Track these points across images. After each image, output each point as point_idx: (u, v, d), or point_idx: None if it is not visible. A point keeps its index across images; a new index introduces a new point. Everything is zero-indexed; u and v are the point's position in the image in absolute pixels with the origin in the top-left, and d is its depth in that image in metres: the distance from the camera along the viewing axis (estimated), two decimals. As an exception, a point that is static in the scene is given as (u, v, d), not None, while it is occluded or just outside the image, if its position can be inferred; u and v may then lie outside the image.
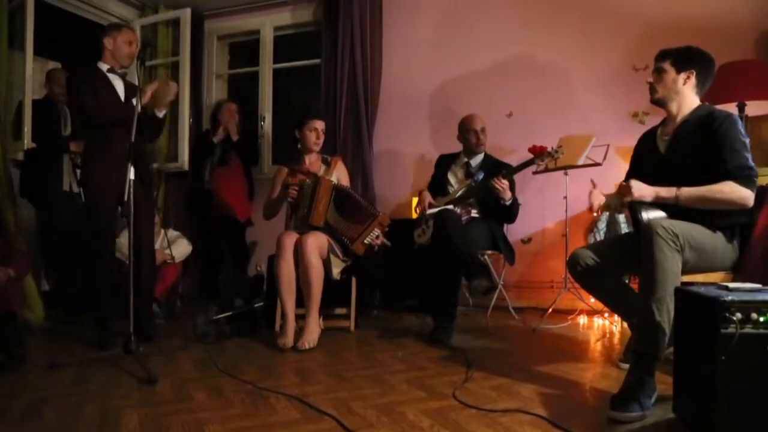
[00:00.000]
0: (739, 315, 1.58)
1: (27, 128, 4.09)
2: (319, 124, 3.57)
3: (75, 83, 3.16)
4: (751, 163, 2.23)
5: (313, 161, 3.61)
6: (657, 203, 2.29)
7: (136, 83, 3.07)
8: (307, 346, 2.99)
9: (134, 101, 3.02)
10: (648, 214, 2.25)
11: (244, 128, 4.94)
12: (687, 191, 2.22)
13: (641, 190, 2.28)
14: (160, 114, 3.30)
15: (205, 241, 4.80)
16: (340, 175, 3.59)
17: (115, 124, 3.01)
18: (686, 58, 2.40)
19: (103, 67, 3.23)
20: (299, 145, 3.60)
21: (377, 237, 3.37)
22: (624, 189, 2.31)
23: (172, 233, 4.17)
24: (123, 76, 3.29)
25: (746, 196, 2.18)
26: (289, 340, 3.06)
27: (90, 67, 3.24)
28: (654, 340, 2.00)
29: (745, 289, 1.71)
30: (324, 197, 3.33)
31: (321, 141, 3.59)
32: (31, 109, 4.11)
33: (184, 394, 2.20)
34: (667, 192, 2.25)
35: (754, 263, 2.35)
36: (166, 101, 3.26)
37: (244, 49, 5.92)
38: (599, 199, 2.57)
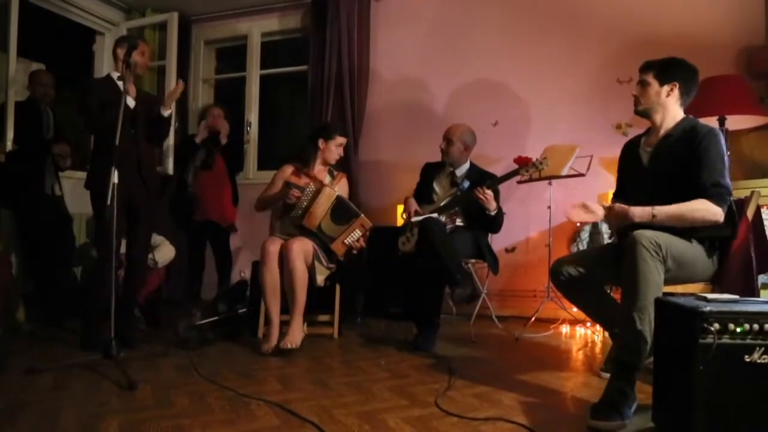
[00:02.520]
0: (717, 325, 1.61)
1: (9, 130, 4.04)
2: (343, 141, 3.65)
3: (85, 92, 3.25)
4: (725, 180, 2.27)
5: (319, 170, 3.63)
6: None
7: (122, 87, 3.10)
8: (289, 346, 2.99)
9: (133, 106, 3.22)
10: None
11: (230, 133, 4.92)
12: (662, 212, 2.25)
13: (623, 213, 2.30)
14: (166, 113, 3.36)
15: (188, 246, 4.76)
16: (341, 190, 3.60)
17: (115, 128, 3.02)
18: (669, 70, 2.43)
19: (114, 75, 3.33)
20: (317, 152, 3.60)
21: (358, 239, 3.38)
22: (616, 214, 2.34)
23: (156, 238, 4.13)
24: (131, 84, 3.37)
25: (716, 212, 2.22)
26: (272, 344, 3.06)
27: (104, 77, 3.41)
28: (635, 348, 2.02)
29: (723, 300, 1.74)
30: (323, 204, 3.34)
31: (340, 158, 3.67)
32: (13, 111, 4.07)
33: (164, 401, 2.18)
34: (643, 212, 2.27)
35: (733, 275, 2.38)
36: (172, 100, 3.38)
37: (232, 54, 5.91)
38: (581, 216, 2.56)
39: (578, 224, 4.15)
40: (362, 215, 3.40)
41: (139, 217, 3.33)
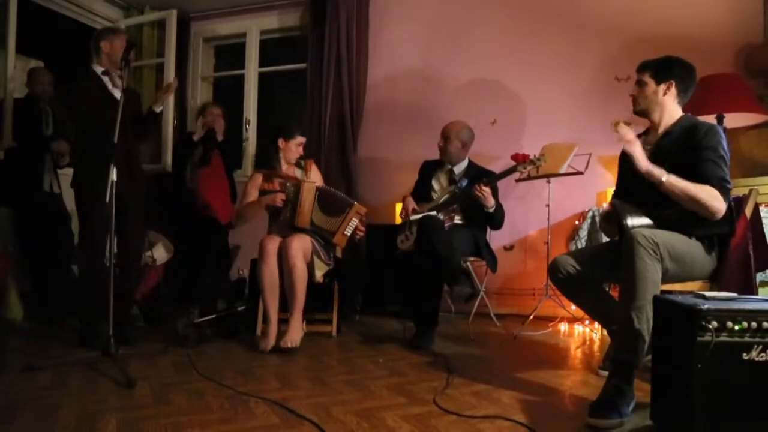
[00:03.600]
0: (715, 323, 1.61)
1: (8, 127, 4.03)
2: (303, 140, 3.61)
3: (72, 89, 3.18)
4: (728, 177, 2.27)
5: (287, 168, 3.61)
6: (641, 212, 2.31)
7: (118, 84, 3.08)
8: (289, 345, 2.98)
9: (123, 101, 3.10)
10: (632, 221, 2.28)
11: (228, 130, 4.91)
12: (674, 179, 2.23)
13: (639, 156, 2.28)
14: (157, 109, 3.35)
15: (186, 244, 4.75)
16: (315, 177, 3.60)
17: (108, 127, 2.99)
18: (665, 69, 2.44)
19: (98, 69, 3.25)
20: (279, 153, 3.56)
21: (356, 227, 3.38)
22: (628, 137, 2.30)
23: (154, 236, 4.13)
24: (117, 78, 3.28)
25: (720, 207, 2.22)
26: (271, 342, 3.06)
27: (86, 71, 3.26)
28: (633, 348, 2.02)
29: (721, 298, 1.74)
30: (308, 200, 3.34)
31: (300, 156, 3.63)
32: (12, 108, 4.06)
33: (163, 398, 2.18)
34: (657, 171, 2.25)
35: (731, 273, 2.39)
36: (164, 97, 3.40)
37: (230, 52, 5.90)
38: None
39: (576, 222, 4.16)
40: (355, 203, 3.40)
41: (129, 215, 3.28)
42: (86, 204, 3.16)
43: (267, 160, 3.62)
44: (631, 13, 4.28)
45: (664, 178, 2.24)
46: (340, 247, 3.41)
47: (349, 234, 3.38)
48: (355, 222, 3.38)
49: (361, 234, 3.44)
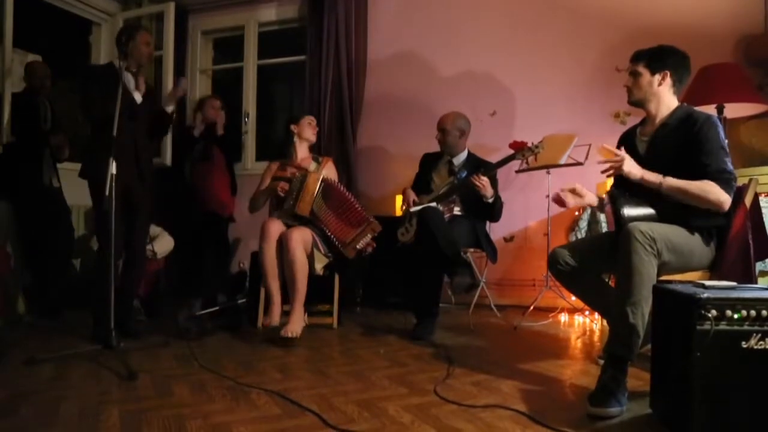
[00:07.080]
0: (714, 312, 1.61)
1: (6, 122, 4.03)
2: (312, 118, 3.80)
3: (85, 79, 3.24)
4: (730, 167, 2.26)
5: (304, 158, 3.69)
6: (638, 202, 2.31)
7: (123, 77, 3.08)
8: (290, 334, 3.00)
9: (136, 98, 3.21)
10: (629, 211, 2.28)
11: (227, 124, 4.91)
12: (672, 181, 2.24)
13: (631, 168, 2.29)
14: (170, 109, 3.42)
15: (187, 237, 4.76)
16: (329, 174, 3.65)
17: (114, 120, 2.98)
18: (660, 59, 2.42)
19: (123, 65, 3.24)
20: (294, 139, 3.70)
21: (368, 243, 3.42)
22: (616, 161, 2.31)
23: (155, 229, 4.13)
24: (136, 75, 3.35)
25: (724, 200, 2.21)
26: (274, 319, 3.08)
27: (105, 64, 3.39)
28: (627, 342, 2.02)
29: (720, 287, 1.75)
30: (311, 189, 3.39)
31: (316, 132, 3.78)
32: (10, 103, 4.05)
33: (165, 390, 2.19)
34: (653, 177, 2.26)
35: (731, 262, 2.38)
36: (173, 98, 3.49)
37: (229, 45, 5.88)
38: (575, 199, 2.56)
39: (576, 213, 4.16)
40: (373, 221, 3.44)
41: (137, 209, 3.31)
42: (98, 196, 3.15)
43: (284, 151, 3.75)
44: (630, 4, 4.26)
45: (660, 182, 2.25)
46: (348, 257, 3.43)
47: (360, 248, 3.42)
48: (368, 238, 3.41)
49: (371, 249, 3.48)
